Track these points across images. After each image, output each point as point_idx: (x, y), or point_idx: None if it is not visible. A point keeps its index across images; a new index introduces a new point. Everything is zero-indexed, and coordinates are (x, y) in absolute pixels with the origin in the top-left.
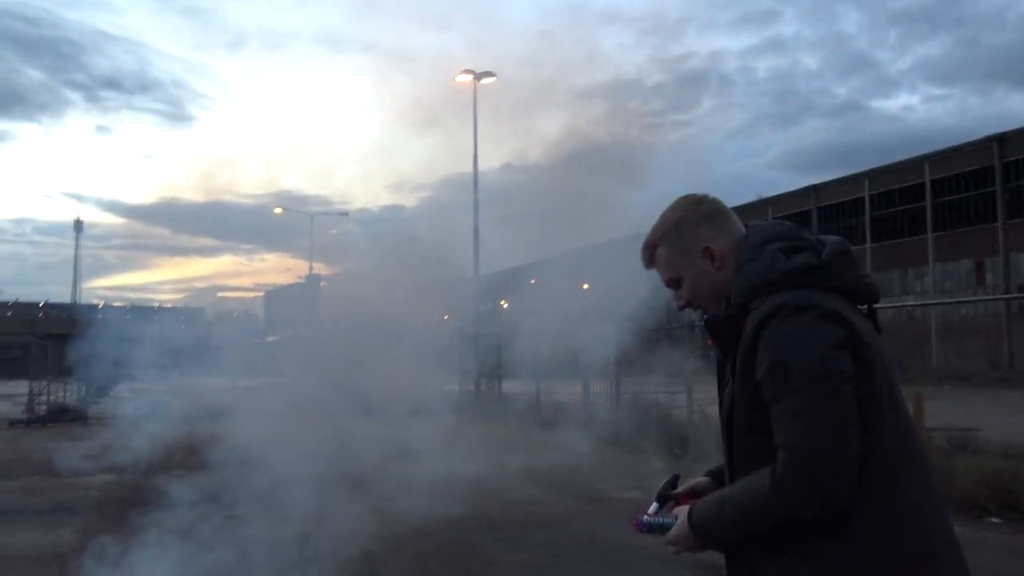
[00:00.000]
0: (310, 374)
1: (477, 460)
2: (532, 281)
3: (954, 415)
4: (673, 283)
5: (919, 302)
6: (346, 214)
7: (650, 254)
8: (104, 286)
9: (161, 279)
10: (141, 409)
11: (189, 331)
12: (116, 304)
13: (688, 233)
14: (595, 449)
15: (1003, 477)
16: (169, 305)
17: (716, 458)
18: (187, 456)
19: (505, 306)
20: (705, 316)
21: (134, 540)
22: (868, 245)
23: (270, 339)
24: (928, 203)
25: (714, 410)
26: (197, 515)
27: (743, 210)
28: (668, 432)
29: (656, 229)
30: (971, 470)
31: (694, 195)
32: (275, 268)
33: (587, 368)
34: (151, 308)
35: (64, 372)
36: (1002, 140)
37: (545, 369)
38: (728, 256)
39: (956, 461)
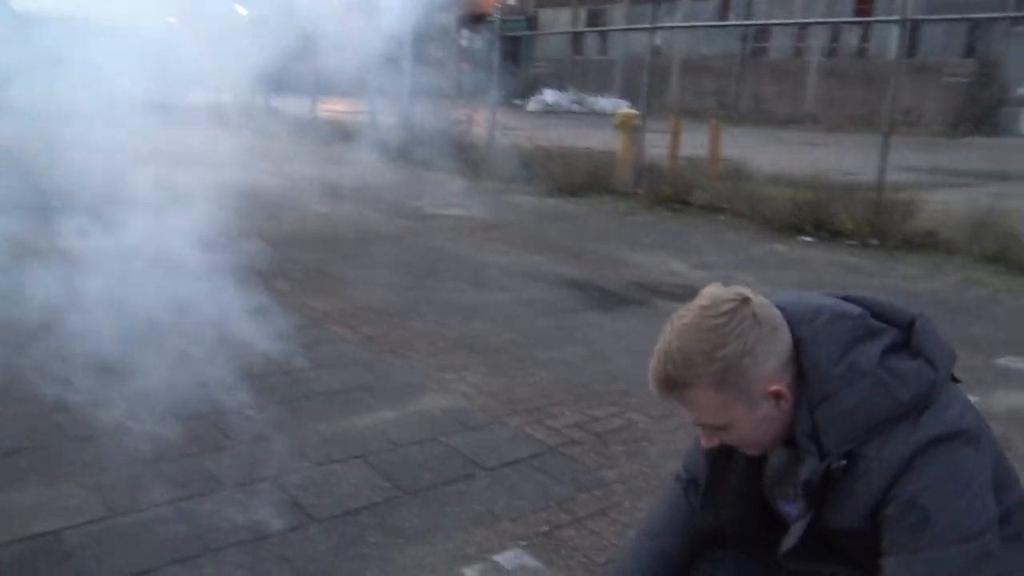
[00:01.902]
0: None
1: (269, 174)
2: None
3: (703, 147)
4: (715, 428)
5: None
6: None
7: (676, 393)
8: None
9: None
10: None
11: None
12: None
13: (751, 372)
14: (389, 166)
15: (816, 203)
16: None
17: (508, 174)
18: None
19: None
20: (804, 480)
21: None
22: None
23: None
24: None
25: (515, 136)
26: None
27: None
28: (466, 152)
29: (694, 362)
30: (787, 198)
31: (746, 303)
32: None
33: (374, 85)
34: None
35: None
36: None
37: (324, 85)
38: (794, 385)
39: (769, 190)
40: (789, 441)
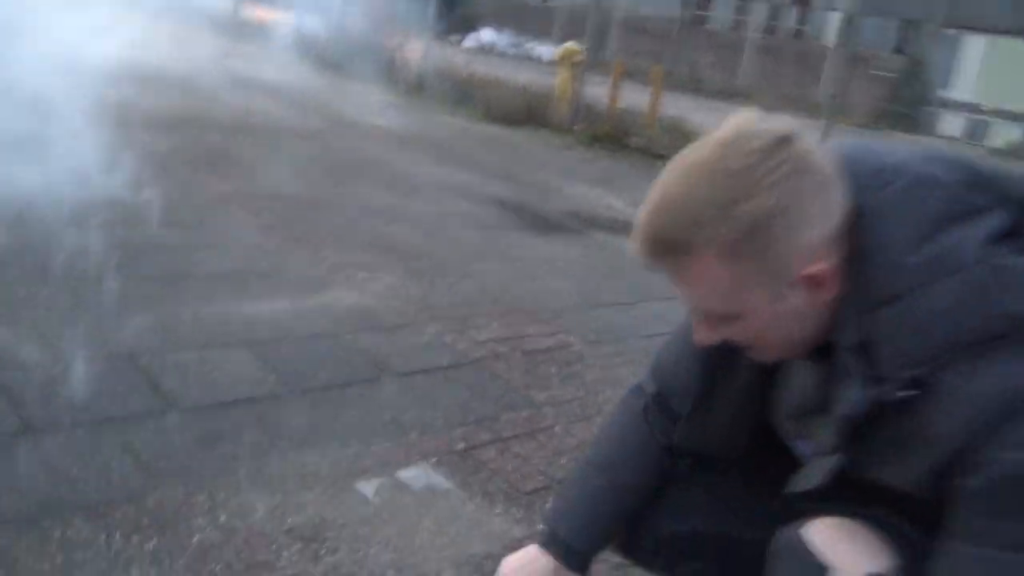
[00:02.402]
0: None
1: (177, 59)
2: None
3: (639, 104)
4: (718, 318)
5: None
6: None
7: (670, 260)
8: None
9: None
10: None
11: None
12: None
13: (782, 243)
14: (311, 70)
15: None
16: None
17: (440, 95)
18: None
19: None
20: (844, 414)
21: None
22: None
23: None
24: None
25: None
26: None
27: None
28: (397, 70)
29: (702, 218)
30: None
31: (786, 141)
32: None
33: None
34: None
35: None
36: None
37: None
38: (842, 273)
39: None
40: (819, 350)
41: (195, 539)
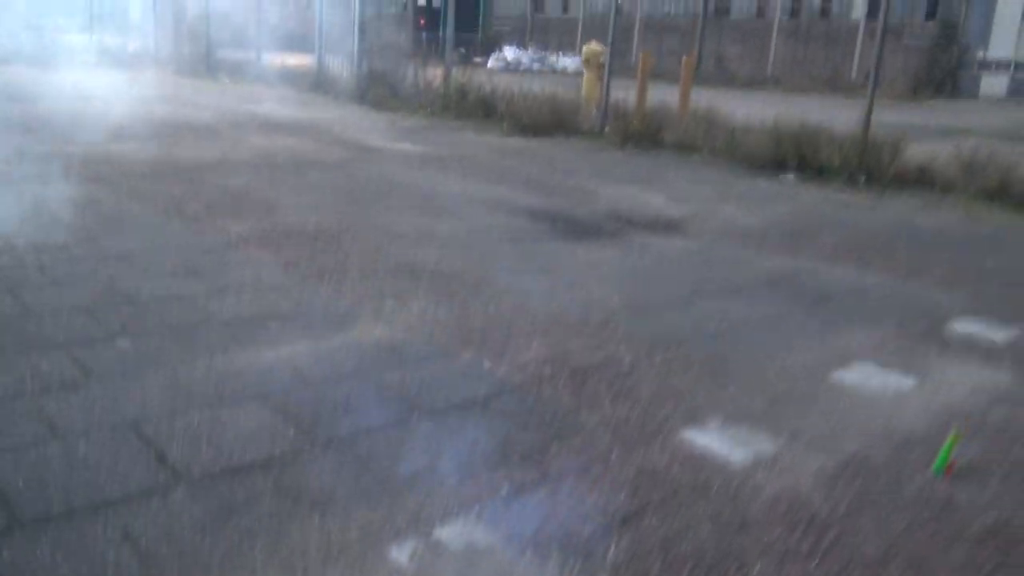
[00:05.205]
0: None
1: (200, 108)
2: None
3: (666, 103)
4: None
5: None
6: None
7: None
8: None
9: None
10: None
11: None
12: None
13: None
14: (338, 106)
15: (800, 139)
16: None
17: (466, 115)
18: None
19: None
20: None
21: None
22: None
23: None
24: None
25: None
26: None
27: None
28: (421, 94)
29: None
30: (767, 134)
31: None
32: None
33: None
34: None
35: None
36: None
37: (273, 39)
38: None
39: (750, 134)
40: None
41: None
